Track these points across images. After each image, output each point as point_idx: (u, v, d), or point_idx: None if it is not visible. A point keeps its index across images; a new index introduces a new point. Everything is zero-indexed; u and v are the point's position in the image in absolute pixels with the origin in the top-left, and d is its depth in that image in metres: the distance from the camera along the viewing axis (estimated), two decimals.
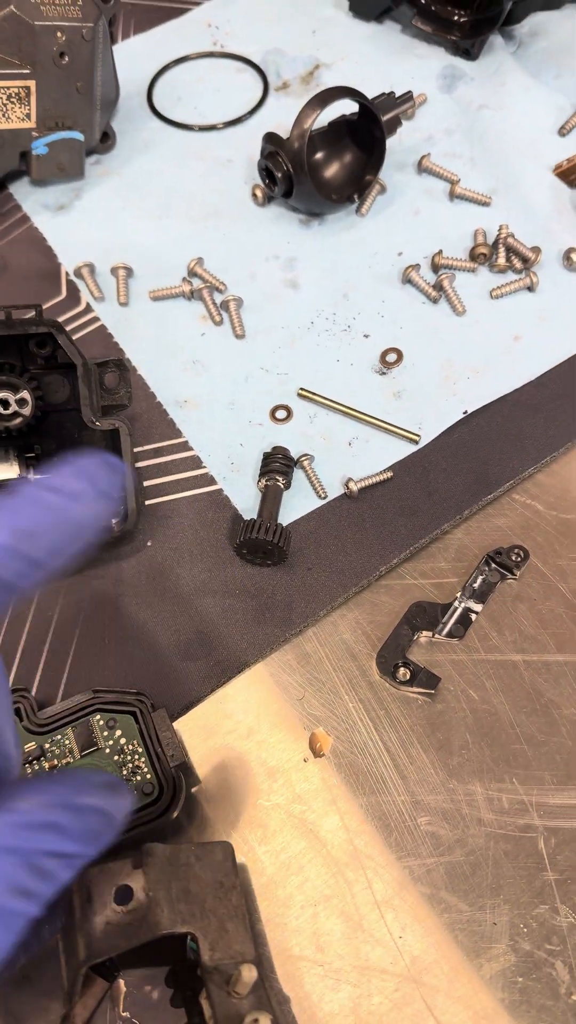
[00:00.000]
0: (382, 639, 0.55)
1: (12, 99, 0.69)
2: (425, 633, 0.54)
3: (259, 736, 0.53)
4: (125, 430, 0.53)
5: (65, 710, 0.51)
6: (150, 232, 0.75)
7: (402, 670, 0.53)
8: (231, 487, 0.62)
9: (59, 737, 0.50)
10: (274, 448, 0.61)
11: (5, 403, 0.50)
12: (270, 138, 0.70)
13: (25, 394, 0.51)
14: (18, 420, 0.51)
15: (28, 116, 0.71)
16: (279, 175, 0.70)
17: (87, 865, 0.33)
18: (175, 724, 0.53)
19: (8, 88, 0.69)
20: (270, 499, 0.58)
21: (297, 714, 0.54)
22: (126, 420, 0.54)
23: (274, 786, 0.51)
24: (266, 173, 0.72)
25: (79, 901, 0.42)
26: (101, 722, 0.51)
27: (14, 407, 0.51)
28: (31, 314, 0.51)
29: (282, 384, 0.66)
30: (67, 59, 0.70)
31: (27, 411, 0.51)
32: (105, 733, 0.50)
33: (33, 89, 0.70)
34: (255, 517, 0.58)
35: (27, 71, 0.69)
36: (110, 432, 0.54)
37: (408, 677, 0.53)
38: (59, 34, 0.69)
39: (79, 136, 0.74)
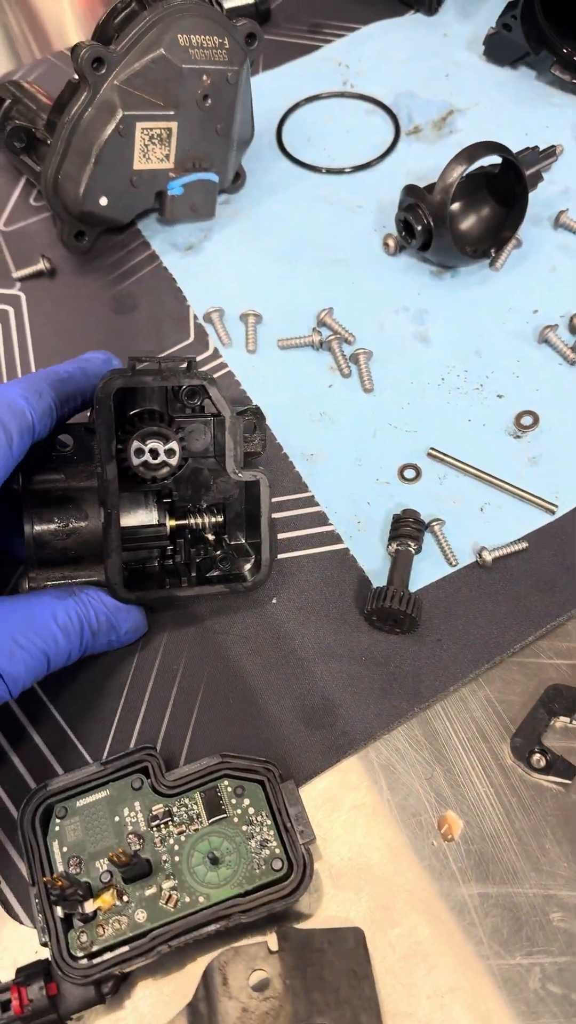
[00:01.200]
0: (515, 720, 0.54)
1: (154, 140, 0.70)
2: (562, 719, 0.53)
3: (385, 813, 0.52)
4: (265, 482, 0.52)
5: (193, 773, 0.51)
6: (278, 277, 0.76)
7: (537, 756, 0.52)
8: (357, 547, 0.61)
9: (187, 801, 0.50)
10: (405, 511, 0.60)
11: (155, 453, 0.51)
12: (410, 191, 0.70)
13: (174, 445, 0.51)
14: (165, 470, 0.51)
15: (168, 157, 0.72)
16: (418, 228, 0.69)
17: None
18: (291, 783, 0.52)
19: (151, 129, 0.69)
20: (401, 565, 0.57)
21: (425, 793, 0.53)
22: (265, 471, 0.53)
23: (400, 867, 0.51)
24: (404, 225, 0.71)
25: (216, 982, 0.41)
26: (229, 788, 0.51)
27: (163, 457, 0.51)
28: (183, 365, 0.51)
29: (411, 441, 0.66)
30: (210, 102, 0.71)
31: (174, 461, 0.51)
32: (233, 800, 0.50)
33: (175, 131, 0.71)
34: (385, 583, 0.57)
35: (171, 113, 0.70)
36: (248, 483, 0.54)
37: (544, 764, 0.52)
38: (205, 77, 0.70)
39: (215, 178, 0.75)
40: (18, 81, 0.83)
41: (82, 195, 0.69)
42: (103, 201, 0.70)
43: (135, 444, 0.50)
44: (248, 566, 0.55)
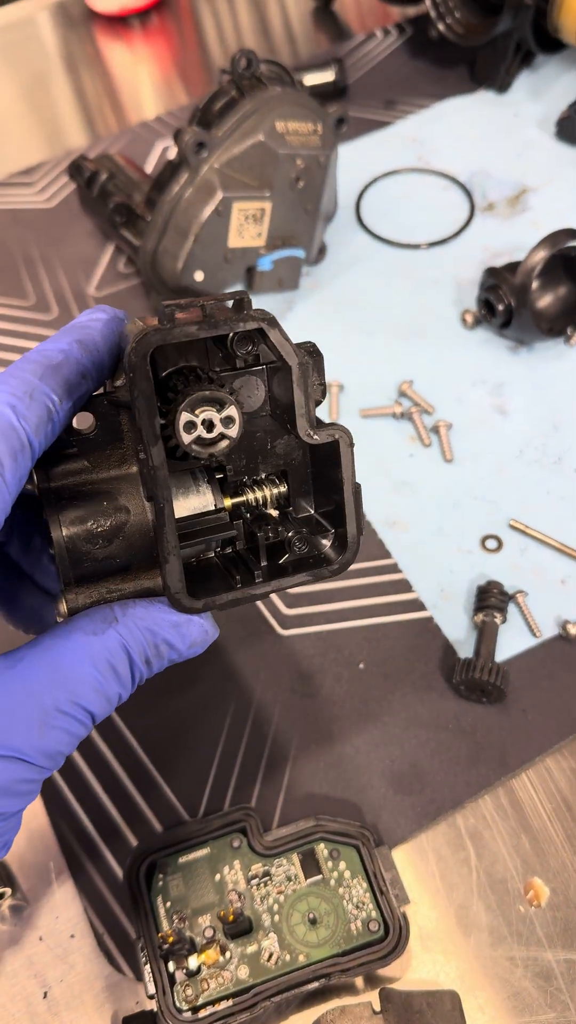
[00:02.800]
0: None
1: (249, 219, 0.75)
2: None
3: (472, 879, 0.55)
4: (347, 440, 0.39)
5: (290, 835, 0.54)
6: (359, 347, 0.80)
7: None
8: (441, 616, 0.64)
9: (284, 862, 0.53)
10: (489, 583, 0.63)
11: (209, 424, 0.37)
12: (492, 273, 0.74)
13: (232, 411, 0.37)
14: (224, 444, 0.37)
15: (260, 235, 0.76)
16: (500, 308, 0.73)
17: None
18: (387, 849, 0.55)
19: (247, 209, 0.74)
20: (488, 637, 0.60)
21: (511, 860, 0.55)
22: (342, 426, 0.40)
23: (488, 932, 0.53)
24: (485, 304, 0.75)
25: None
26: (325, 851, 0.53)
27: (220, 428, 0.37)
28: (230, 303, 0.39)
29: (491, 512, 0.69)
30: (302, 184, 0.76)
31: (234, 431, 0.37)
32: (329, 863, 0.53)
33: (268, 211, 0.75)
34: (471, 654, 0.61)
35: (266, 194, 0.75)
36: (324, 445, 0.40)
37: None
38: (298, 161, 0.75)
39: (301, 253, 0.80)
40: (111, 155, 0.89)
41: (180, 270, 0.74)
42: (199, 276, 0.75)
43: (184, 417, 0.36)
44: (328, 544, 0.42)
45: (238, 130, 0.73)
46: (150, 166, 0.99)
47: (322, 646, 0.63)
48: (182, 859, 0.54)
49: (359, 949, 0.50)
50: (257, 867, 0.53)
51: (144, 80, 1.16)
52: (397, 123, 1.00)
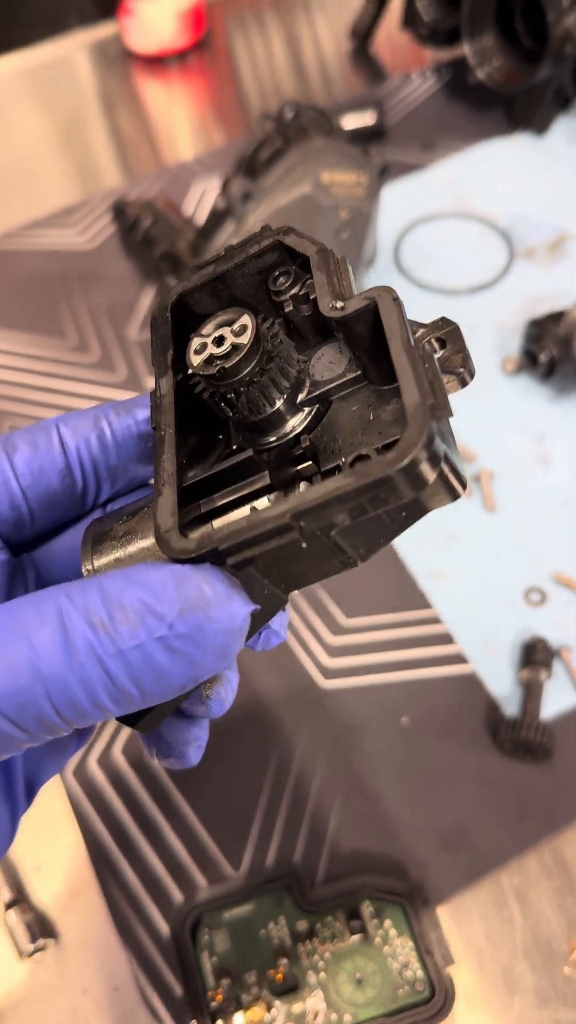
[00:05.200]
0: None
1: None
2: None
3: (517, 938, 0.56)
4: (388, 296, 0.30)
5: (336, 893, 0.55)
6: None
7: None
8: (485, 670, 0.65)
9: (329, 919, 0.54)
10: (535, 639, 0.64)
11: (220, 340, 0.31)
12: (535, 324, 0.76)
13: (245, 319, 0.31)
14: (234, 357, 0.31)
15: None
16: (543, 359, 0.75)
17: None
18: (433, 908, 0.56)
19: None
20: (534, 695, 0.62)
21: (556, 920, 0.56)
22: (387, 287, 0.30)
23: (533, 992, 0.54)
24: (528, 355, 0.77)
25: None
26: (371, 909, 0.54)
27: (231, 339, 0.31)
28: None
29: (535, 563, 0.70)
30: (346, 234, 0.78)
31: (245, 338, 0.31)
32: (375, 921, 0.54)
33: None
34: (517, 711, 0.62)
35: None
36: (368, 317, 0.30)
37: None
38: (342, 212, 0.77)
39: None
40: (153, 199, 0.91)
41: None
42: None
43: (195, 342, 0.32)
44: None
45: (284, 181, 0.75)
46: (188, 207, 1.02)
47: (364, 700, 0.64)
48: (227, 915, 0.55)
49: (405, 1010, 0.51)
50: (303, 924, 0.54)
51: (181, 120, 1.19)
52: (435, 166, 1.02)
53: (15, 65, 1.29)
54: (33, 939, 0.56)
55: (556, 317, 0.76)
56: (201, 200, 1.03)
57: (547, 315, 0.77)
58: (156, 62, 1.26)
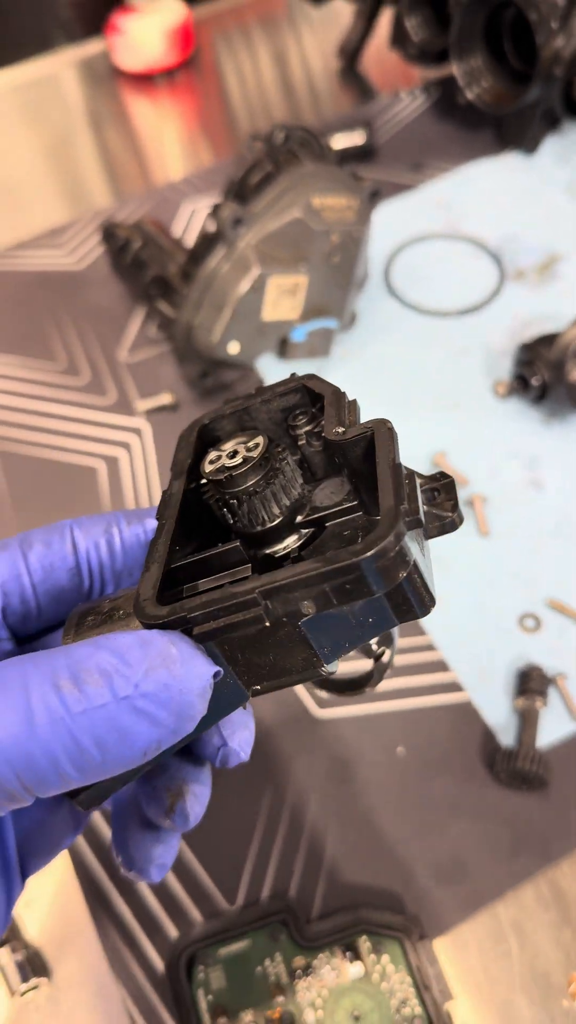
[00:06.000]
0: None
1: (284, 294, 0.77)
2: None
3: (514, 972, 0.56)
4: (383, 427, 0.33)
5: (332, 928, 0.55)
6: (390, 417, 0.81)
7: None
8: (480, 698, 0.65)
9: (326, 954, 0.54)
10: (530, 667, 0.64)
11: (233, 453, 0.35)
12: (526, 348, 0.76)
13: (259, 439, 0.35)
14: (244, 467, 0.33)
15: (295, 308, 0.79)
16: (534, 383, 0.75)
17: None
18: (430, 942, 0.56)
19: (283, 284, 0.77)
20: (530, 724, 0.62)
21: (554, 953, 0.56)
22: (384, 419, 0.34)
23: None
24: (519, 379, 0.77)
25: None
26: (367, 944, 0.54)
27: (243, 453, 0.34)
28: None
29: (529, 590, 0.70)
30: (337, 258, 0.78)
31: (256, 452, 0.34)
32: (372, 956, 0.54)
33: (303, 285, 0.78)
34: (513, 740, 0.62)
35: (302, 270, 0.77)
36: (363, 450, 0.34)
37: None
38: (333, 237, 0.77)
39: (335, 324, 0.82)
40: (142, 221, 0.91)
41: (215, 343, 0.76)
42: (234, 349, 0.77)
43: (211, 455, 0.35)
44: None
45: (275, 206, 0.75)
46: (178, 227, 1.02)
47: (359, 729, 0.64)
48: (223, 951, 0.55)
49: None
50: (299, 960, 0.54)
51: (170, 139, 1.20)
52: (424, 186, 1.03)
53: (1, 83, 1.29)
54: (25, 978, 0.55)
55: (547, 340, 0.76)
56: (191, 221, 1.03)
57: (538, 338, 0.78)
58: (144, 80, 1.27)
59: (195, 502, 0.36)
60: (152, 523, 0.38)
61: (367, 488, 0.34)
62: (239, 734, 0.37)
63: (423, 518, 0.30)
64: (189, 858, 0.60)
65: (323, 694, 0.66)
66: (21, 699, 0.27)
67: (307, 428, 0.36)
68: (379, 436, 0.32)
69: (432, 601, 0.31)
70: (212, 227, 0.76)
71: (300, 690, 0.66)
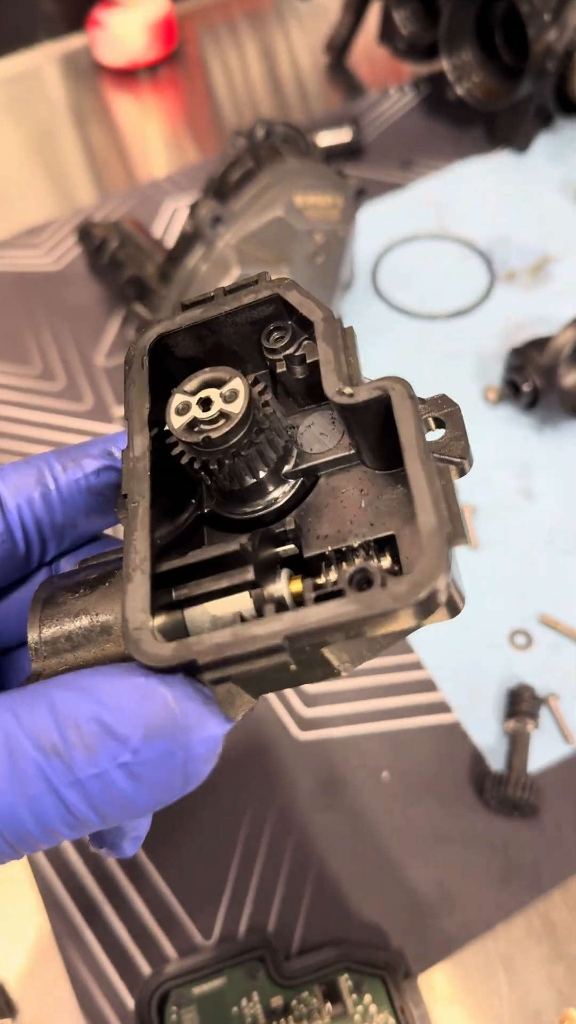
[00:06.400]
0: None
1: None
2: None
3: (504, 1010, 0.53)
4: (402, 391, 0.28)
5: (312, 965, 0.52)
6: None
7: None
8: (469, 719, 0.63)
9: (305, 994, 0.51)
10: (521, 686, 0.62)
11: (206, 403, 0.29)
12: (517, 353, 0.73)
13: (237, 383, 0.29)
14: (223, 426, 0.28)
15: None
16: (525, 389, 0.73)
17: None
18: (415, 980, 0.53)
19: None
20: (520, 747, 0.59)
21: (545, 989, 0.53)
22: (401, 379, 0.28)
23: None
24: (510, 385, 0.75)
25: None
26: (349, 983, 0.52)
27: (219, 405, 0.28)
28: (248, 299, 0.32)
29: (520, 604, 0.68)
30: (321, 259, 0.76)
31: (237, 406, 0.28)
32: (354, 996, 0.51)
33: None
34: (503, 765, 0.59)
35: (284, 270, 0.74)
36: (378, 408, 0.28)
37: None
38: (317, 236, 0.75)
39: None
40: (120, 221, 0.89)
41: None
42: None
43: (177, 399, 0.29)
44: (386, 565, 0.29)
45: (256, 204, 0.72)
46: (159, 226, 0.99)
47: (343, 752, 0.62)
48: (196, 990, 0.52)
49: None
50: (277, 1000, 0.51)
51: (153, 135, 1.17)
52: (414, 185, 1.00)
53: None
54: None
55: (538, 344, 0.74)
56: (172, 220, 1.00)
57: (529, 342, 0.75)
58: (127, 75, 1.24)
59: (158, 451, 0.30)
60: (92, 463, 0.33)
61: (369, 441, 0.29)
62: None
63: (465, 526, 0.27)
64: (163, 889, 0.57)
65: (305, 713, 0.63)
66: (7, 766, 0.24)
67: (287, 351, 0.31)
68: (400, 409, 0.27)
69: (463, 601, 0.27)
70: (191, 227, 0.73)
71: (282, 711, 0.64)
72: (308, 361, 0.31)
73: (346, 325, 0.32)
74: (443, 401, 0.29)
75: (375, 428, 0.29)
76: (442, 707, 0.63)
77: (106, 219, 0.97)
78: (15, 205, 1.07)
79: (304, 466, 0.31)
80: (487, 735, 0.62)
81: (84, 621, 0.30)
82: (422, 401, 0.30)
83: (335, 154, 1.01)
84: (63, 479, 0.33)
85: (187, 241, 0.74)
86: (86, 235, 0.86)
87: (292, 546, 0.30)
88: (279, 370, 0.32)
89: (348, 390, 0.28)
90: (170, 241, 0.92)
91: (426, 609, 0.24)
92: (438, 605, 0.24)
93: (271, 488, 0.31)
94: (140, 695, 0.24)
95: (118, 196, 1.04)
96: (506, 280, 0.89)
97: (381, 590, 0.24)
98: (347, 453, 0.31)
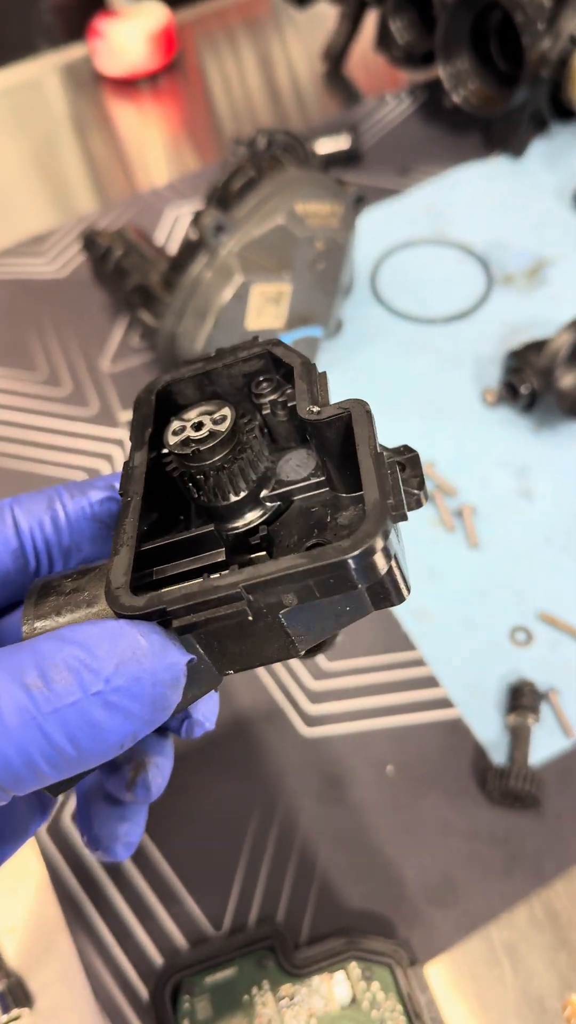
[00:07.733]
0: None
1: (268, 302, 0.76)
2: None
3: (508, 997, 0.54)
4: (361, 409, 0.33)
5: (321, 954, 0.54)
6: (379, 427, 0.80)
7: None
8: (471, 714, 0.64)
9: (315, 982, 0.53)
10: (521, 682, 0.63)
11: (198, 425, 0.34)
12: (515, 355, 0.75)
13: (226, 411, 0.34)
14: (211, 443, 0.33)
15: (279, 317, 0.78)
16: (523, 391, 0.75)
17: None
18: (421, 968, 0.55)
19: (266, 292, 0.76)
20: (521, 741, 0.61)
21: (548, 976, 0.55)
22: (361, 400, 0.33)
23: None
24: (509, 388, 0.76)
25: None
26: (358, 971, 0.53)
27: (210, 426, 0.34)
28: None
29: (520, 602, 0.69)
30: (321, 265, 0.77)
31: (224, 426, 0.34)
32: (362, 984, 0.53)
33: (288, 293, 0.77)
34: (505, 758, 0.61)
35: (286, 277, 0.76)
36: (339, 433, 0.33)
37: None
38: (318, 243, 0.76)
39: (320, 332, 0.81)
40: (124, 229, 0.90)
41: (198, 352, 0.75)
42: None
43: (174, 424, 0.35)
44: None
45: (258, 213, 0.74)
46: (161, 234, 1.01)
47: (348, 748, 0.63)
48: (209, 979, 0.54)
49: None
50: (287, 988, 0.53)
51: (154, 144, 1.19)
52: (411, 191, 1.02)
53: None
54: (6, 1009, 0.54)
55: (536, 347, 0.76)
56: (174, 227, 1.02)
57: (527, 344, 0.77)
58: (127, 85, 1.26)
59: (156, 471, 0.35)
60: (97, 494, 0.37)
61: (336, 464, 0.34)
62: (203, 705, 0.37)
63: (405, 509, 0.31)
64: (174, 882, 0.59)
65: (311, 710, 0.65)
66: None
67: (272, 397, 0.36)
68: (358, 420, 0.32)
69: (408, 590, 0.31)
70: (194, 234, 0.75)
71: (288, 708, 0.65)
72: (289, 405, 0.36)
73: (342, 333, 0.39)
74: (405, 449, 0.34)
75: (339, 446, 0.34)
76: (444, 703, 0.65)
77: (109, 227, 0.99)
78: (17, 213, 1.09)
79: (281, 491, 0.35)
80: (489, 730, 0.64)
81: (74, 596, 0.34)
82: (386, 448, 0.34)
83: (334, 161, 1.03)
84: (71, 506, 0.37)
85: (191, 249, 0.76)
86: (91, 243, 0.88)
87: (264, 552, 0.34)
88: (265, 412, 0.37)
89: (315, 408, 0.33)
90: (172, 248, 0.93)
91: (368, 569, 0.28)
92: (379, 567, 0.28)
93: (250, 509, 0.35)
94: (111, 635, 0.28)
95: (120, 204, 1.06)
96: (503, 284, 0.91)
97: (328, 546, 0.28)
98: (319, 480, 0.35)
